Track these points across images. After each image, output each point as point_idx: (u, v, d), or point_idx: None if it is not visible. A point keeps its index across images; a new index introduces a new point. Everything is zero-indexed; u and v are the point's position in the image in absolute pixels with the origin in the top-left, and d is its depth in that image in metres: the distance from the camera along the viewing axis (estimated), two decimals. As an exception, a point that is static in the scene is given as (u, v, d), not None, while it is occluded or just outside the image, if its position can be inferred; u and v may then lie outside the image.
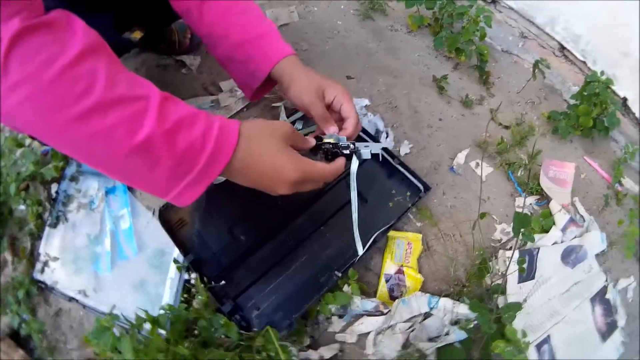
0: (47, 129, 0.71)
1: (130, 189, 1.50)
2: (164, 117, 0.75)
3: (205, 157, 0.80)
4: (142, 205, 1.48)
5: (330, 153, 1.10)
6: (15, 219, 1.52)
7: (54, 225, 1.47)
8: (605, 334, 1.47)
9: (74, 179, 1.53)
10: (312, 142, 1.06)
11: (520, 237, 1.36)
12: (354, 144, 1.12)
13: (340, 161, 1.06)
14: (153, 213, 1.45)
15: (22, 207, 1.52)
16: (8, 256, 1.48)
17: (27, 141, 1.57)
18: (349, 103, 1.16)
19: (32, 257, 1.47)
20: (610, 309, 1.51)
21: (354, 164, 1.14)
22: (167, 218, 1.35)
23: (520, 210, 1.54)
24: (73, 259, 1.44)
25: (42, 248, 1.46)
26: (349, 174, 1.18)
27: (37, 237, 1.47)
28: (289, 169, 0.91)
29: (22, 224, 1.51)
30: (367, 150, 1.14)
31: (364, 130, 1.50)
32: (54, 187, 1.52)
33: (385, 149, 1.50)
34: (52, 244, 1.46)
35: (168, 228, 1.33)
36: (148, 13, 1.36)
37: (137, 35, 1.52)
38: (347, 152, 1.11)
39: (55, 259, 1.45)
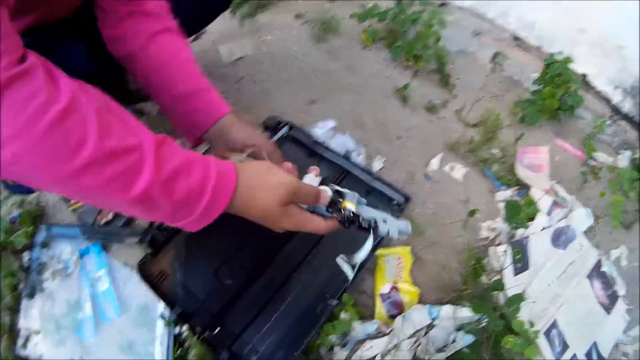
0: (43, 183, 0.70)
1: (104, 247, 1.47)
2: (160, 166, 0.74)
3: (203, 204, 0.80)
4: (119, 262, 1.45)
5: (347, 220, 1.00)
6: None
7: (31, 296, 1.43)
8: (608, 307, 1.49)
9: (45, 244, 1.48)
10: (326, 196, 0.99)
11: (515, 225, 1.37)
12: (375, 222, 1.01)
13: (336, 224, 1.00)
14: (131, 269, 1.42)
15: None
16: None
17: None
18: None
19: (13, 331, 1.41)
20: (608, 281, 1.53)
21: (370, 241, 1.06)
22: (147, 272, 1.30)
23: (501, 204, 1.56)
24: (55, 329, 1.39)
25: (22, 322, 1.41)
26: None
27: (15, 310, 1.42)
28: (284, 224, 0.93)
29: None
30: (385, 227, 1.03)
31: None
32: (25, 256, 1.48)
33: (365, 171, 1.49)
34: (31, 315, 1.41)
35: (149, 282, 1.29)
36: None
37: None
38: (366, 226, 1.02)
39: (37, 332, 1.39)
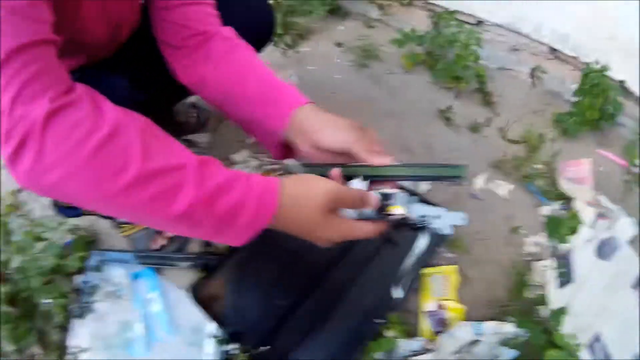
0: (86, 203, 0.75)
1: (157, 269, 1.50)
2: (201, 184, 0.76)
3: (246, 216, 0.81)
4: (171, 284, 1.49)
5: (396, 224, 0.98)
6: (41, 312, 1.48)
7: (81, 316, 1.45)
8: (654, 317, 1.50)
9: (98, 268, 1.52)
10: (374, 199, 0.94)
11: (557, 240, 1.39)
12: (426, 219, 0.98)
13: (386, 225, 0.97)
14: (185, 292, 1.44)
15: (48, 300, 1.47)
16: (37, 349, 1.44)
17: (48, 234, 1.54)
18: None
19: (61, 350, 1.43)
20: (654, 291, 1.55)
21: (423, 240, 1.10)
22: (200, 295, 1.36)
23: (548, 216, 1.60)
24: (105, 347, 1.41)
25: (71, 340, 1.43)
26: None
27: (65, 329, 1.44)
28: (330, 234, 0.91)
29: (49, 318, 1.47)
30: (438, 223, 0.99)
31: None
32: (78, 278, 1.51)
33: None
34: (80, 334, 1.43)
35: (202, 304, 1.34)
36: (158, 84, 1.32)
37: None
38: (417, 226, 0.99)
39: (86, 349, 1.41)
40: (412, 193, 1.51)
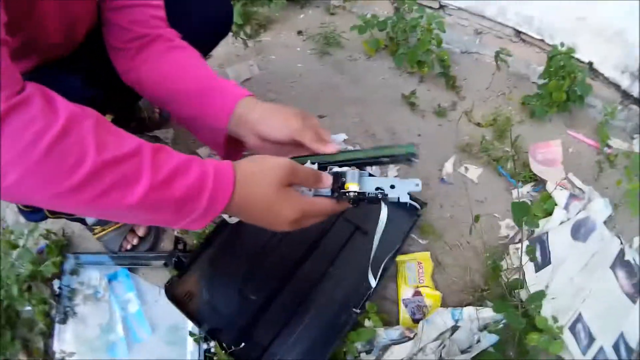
0: (46, 201, 0.73)
1: (131, 269, 1.54)
2: (157, 169, 0.77)
3: (205, 197, 0.81)
4: (148, 283, 1.52)
5: (354, 201, 0.98)
6: (24, 320, 1.53)
7: (63, 321, 1.50)
8: (634, 295, 1.48)
9: (74, 272, 1.56)
10: (327, 179, 0.97)
11: (524, 225, 1.38)
12: (382, 191, 0.98)
13: (346, 204, 0.98)
14: (159, 291, 1.47)
15: (28, 307, 1.52)
16: (23, 357, 1.48)
17: (22, 241, 1.58)
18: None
19: (47, 356, 1.48)
20: (633, 269, 1.52)
21: (384, 211, 1.03)
22: (174, 293, 1.37)
23: (517, 200, 1.57)
24: (89, 351, 1.46)
25: (56, 345, 1.48)
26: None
27: (48, 335, 1.49)
28: (287, 210, 0.90)
29: (32, 324, 1.52)
30: (395, 193, 0.99)
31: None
32: (56, 283, 1.54)
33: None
34: (64, 339, 1.49)
35: (177, 303, 1.35)
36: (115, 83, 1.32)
37: (107, 118, 1.55)
38: (374, 199, 0.98)
39: (72, 354, 1.46)
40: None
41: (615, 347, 1.40)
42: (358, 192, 0.96)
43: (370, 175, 1.00)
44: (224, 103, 1.07)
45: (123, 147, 0.76)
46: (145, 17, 1.14)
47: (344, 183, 0.97)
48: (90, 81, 1.16)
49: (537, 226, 1.47)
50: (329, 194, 0.96)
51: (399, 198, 0.98)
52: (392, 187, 0.98)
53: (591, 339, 1.39)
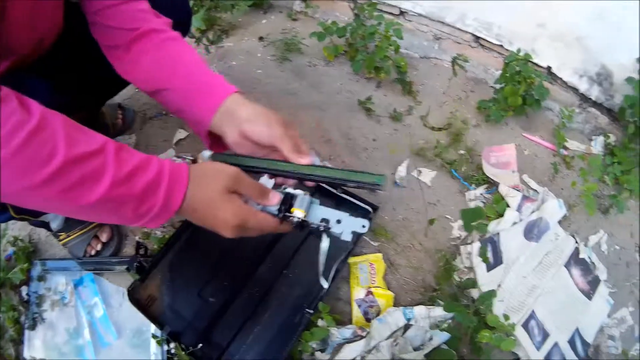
0: (16, 195, 0.78)
1: (96, 274, 1.57)
2: (120, 165, 0.82)
3: (162, 195, 0.87)
4: (112, 288, 1.55)
5: (297, 226, 1.01)
6: None
7: (33, 327, 1.53)
8: (589, 292, 1.54)
9: (41, 278, 1.59)
10: (273, 196, 1.00)
11: (472, 230, 1.42)
12: (327, 224, 1.02)
13: (289, 227, 1.03)
14: (123, 295, 1.50)
15: None
16: None
17: None
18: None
19: None
20: (588, 267, 1.59)
21: (325, 242, 1.10)
22: (137, 297, 1.40)
23: (471, 203, 1.61)
24: (58, 356, 1.49)
25: (26, 352, 1.51)
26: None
27: (19, 342, 1.52)
28: (227, 214, 0.94)
29: (2, 331, 1.55)
30: (339, 228, 1.02)
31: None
32: (24, 290, 1.57)
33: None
34: (34, 346, 1.52)
35: (139, 306, 1.38)
36: (84, 86, 1.39)
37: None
38: (317, 229, 1.03)
39: None
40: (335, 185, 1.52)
41: (571, 342, 1.45)
42: (302, 219, 1.00)
43: (321, 204, 1.04)
44: (211, 100, 1.11)
45: (90, 144, 0.82)
46: (131, 13, 1.18)
47: (292, 205, 1.00)
48: (57, 87, 1.19)
49: (486, 231, 1.53)
50: (275, 212, 1.00)
51: (341, 234, 1.02)
52: (339, 221, 1.02)
53: (545, 335, 1.43)
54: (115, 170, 0.81)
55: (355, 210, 1.53)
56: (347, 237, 1.01)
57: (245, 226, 0.96)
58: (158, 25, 1.20)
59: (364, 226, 1.02)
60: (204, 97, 1.12)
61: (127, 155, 0.85)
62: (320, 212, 1.03)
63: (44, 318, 1.55)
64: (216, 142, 1.17)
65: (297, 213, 1.00)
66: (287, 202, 1.00)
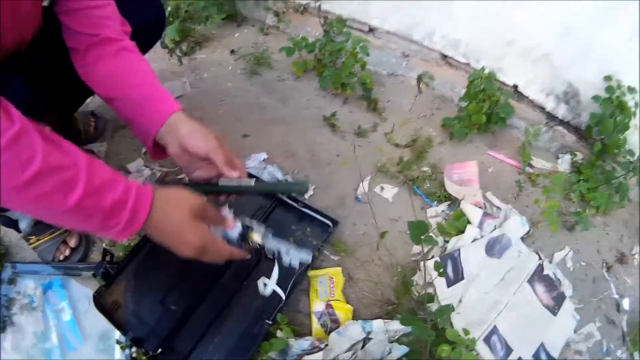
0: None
1: (65, 279, 1.60)
2: (91, 178, 0.90)
3: (127, 212, 0.96)
4: (80, 293, 1.57)
5: (254, 251, 1.25)
6: None
7: (2, 330, 1.54)
8: (554, 308, 1.55)
9: (11, 281, 1.61)
10: (232, 224, 1.21)
11: (424, 244, 1.42)
12: (278, 253, 1.30)
13: (244, 254, 1.22)
14: (89, 302, 1.50)
15: None
16: None
17: None
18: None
19: None
20: (553, 283, 1.59)
21: (275, 269, 1.35)
22: (102, 302, 1.43)
23: (433, 220, 1.62)
24: (26, 358, 1.51)
25: None
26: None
27: None
28: (192, 237, 1.06)
29: None
30: (287, 258, 1.31)
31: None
32: None
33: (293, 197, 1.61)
34: (4, 348, 1.53)
35: (104, 312, 1.41)
36: (64, 85, 1.43)
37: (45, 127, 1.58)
38: (270, 257, 1.30)
39: None
40: (296, 200, 1.62)
41: (536, 356, 1.46)
42: (259, 245, 1.24)
43: (274, 235, 1.29)
44: (159, 114, 1.24)
45: (66, 154, 0.89)
46: (94, 19, 1.23)
47: (248, 235, 1.23)
48: (37, 86, 1.22)
49: (435, 244, 1.57)
50: (236, 237, 1.20)
51: (290, 263, 1.31)
52: (287, 253, 1.30)
53: (508, 350, 1.44)
54: (87, 183, 0.89)
55: (316, 224, 1.56)
56: (295, 265, 1.31)
57: (205, 250, 1.09)
58: (116, 34, 1.27)
59: (308, 256, 1.33)
60: (152, 112, 1.24)
61: (98, 170, 0.93)
62: (273, 244, 1.28)
63: (13, 321, 1.56)
64: (158, 150, 1.30)
65: (256, 238, 1.24)
66: (246, 230, 1.22)
